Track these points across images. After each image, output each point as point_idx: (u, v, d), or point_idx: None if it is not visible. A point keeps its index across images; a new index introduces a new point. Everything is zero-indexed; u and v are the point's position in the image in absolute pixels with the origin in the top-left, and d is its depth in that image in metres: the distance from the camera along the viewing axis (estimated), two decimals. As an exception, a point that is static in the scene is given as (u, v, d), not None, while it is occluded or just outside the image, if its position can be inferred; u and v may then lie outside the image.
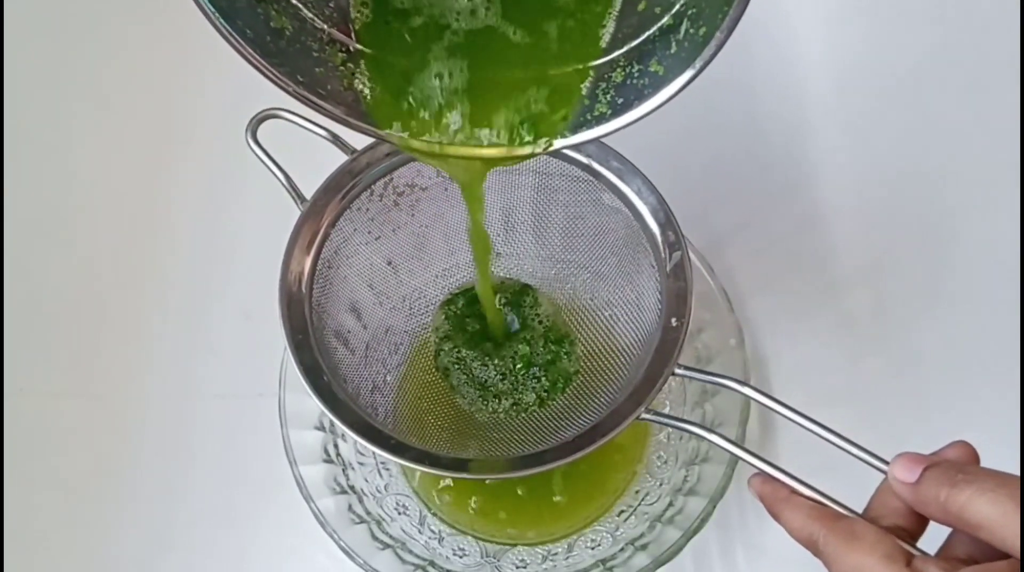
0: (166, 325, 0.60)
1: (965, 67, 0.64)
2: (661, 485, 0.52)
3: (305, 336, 0.44)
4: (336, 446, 0.52)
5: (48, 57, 0.69)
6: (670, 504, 0.50)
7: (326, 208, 0.47)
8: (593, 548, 0.51)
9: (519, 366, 0.52)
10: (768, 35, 0.65)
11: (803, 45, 0.65)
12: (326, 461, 0.51)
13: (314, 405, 0.50)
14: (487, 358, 0.52)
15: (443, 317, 0.54)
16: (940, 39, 0.64)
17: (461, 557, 0.51)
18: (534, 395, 0.51)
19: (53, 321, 0.61)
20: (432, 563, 0.50)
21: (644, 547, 0.49)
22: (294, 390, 0.50)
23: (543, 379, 0.52)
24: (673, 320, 0.43)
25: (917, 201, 0.61)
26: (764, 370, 0.56)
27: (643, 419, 0.41)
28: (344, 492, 0.50)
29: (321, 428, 0.52)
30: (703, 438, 0.40)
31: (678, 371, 0.42)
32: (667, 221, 0.45)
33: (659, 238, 0.45)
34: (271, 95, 0.39)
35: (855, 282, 0.59)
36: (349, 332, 0.49)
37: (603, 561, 0.49)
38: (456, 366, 0.53)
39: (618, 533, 0.51)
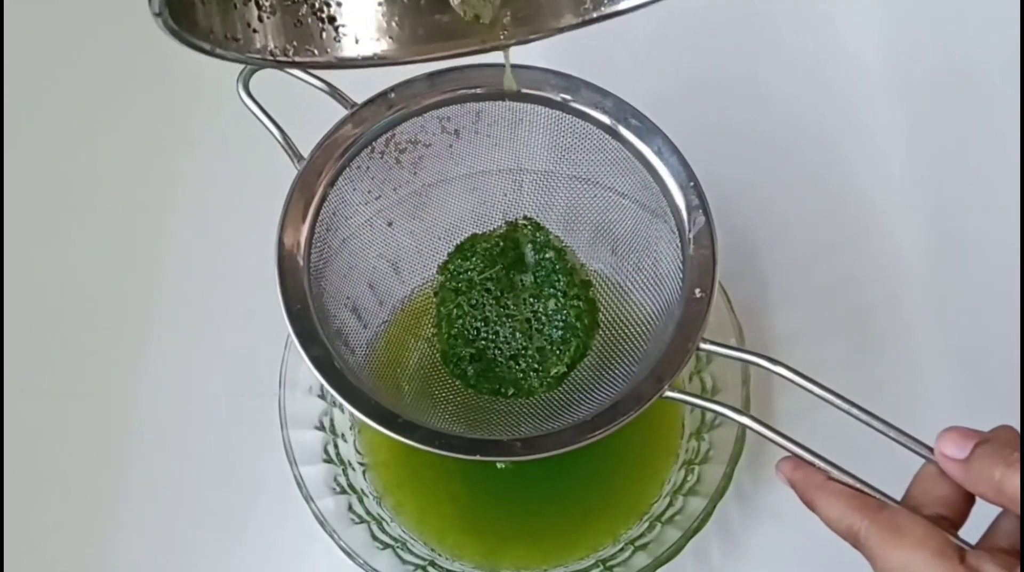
0: (166, 325, 0.58)
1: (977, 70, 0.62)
2: (662, 485, 0.50)
3: (304, 306, 0.40)
4: (336, 446, 0.50)
5: (30, 39, 0.67)
6: (670, 504, 0.48)
7: (324, 167, 0.43)
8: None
9: (540, 308, 0.48)
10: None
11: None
12: (326, 461, 0.49)
13: (314, 405, 0.50)
14: (499, 318, 0.49)
15: (445, 278, 0.50)
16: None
17: (461, 557, 0.50)
18: (554, 359, 0.47)
19: (53, 321, 0.58)
20: (432, 563, 0.48)
21: (644, 547, 0.47)
22: (294, 390, 0.48)
23: (560, 346, 0.48)
24: (697, 291, 0.40)
25: (923, 199, 0.59)
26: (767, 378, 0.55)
27: (667, 398, 0.37)
28: (344, 492, 0.48)
29: (321, 428, 0.50)
30: (729, 418, 0.36)
31: (703, 346, 0.38)
32: (689, 183, 0.41)
33: (680, 201, 0.41)
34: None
35: (858, 281, 0.57)
36: (348, 298, 0.45)
37: (603, 561, 0.48)
38: (463, 331, 0.49)
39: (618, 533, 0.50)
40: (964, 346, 0.55)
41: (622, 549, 0.48)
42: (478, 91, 0.44)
